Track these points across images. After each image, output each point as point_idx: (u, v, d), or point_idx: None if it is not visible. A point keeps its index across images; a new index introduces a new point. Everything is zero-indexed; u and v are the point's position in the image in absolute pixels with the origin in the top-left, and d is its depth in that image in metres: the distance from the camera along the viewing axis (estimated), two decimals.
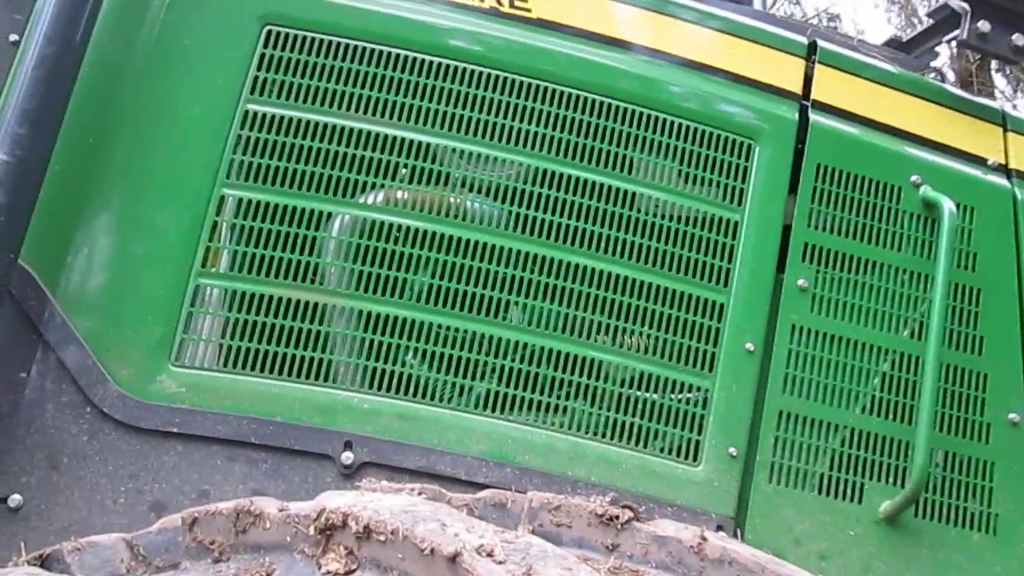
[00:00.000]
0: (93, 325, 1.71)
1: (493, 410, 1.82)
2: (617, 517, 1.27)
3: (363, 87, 1.87)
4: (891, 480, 1.89)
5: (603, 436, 1.84)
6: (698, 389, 1.88)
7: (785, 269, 1.94)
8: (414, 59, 1.90)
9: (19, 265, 1.65)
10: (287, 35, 1.87)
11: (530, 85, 1.92)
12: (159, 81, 1.82)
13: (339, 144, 1.85)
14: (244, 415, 1.72)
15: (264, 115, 1.84)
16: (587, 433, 1.84)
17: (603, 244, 1.89)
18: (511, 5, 1.98)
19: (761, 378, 1.89)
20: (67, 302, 1.71)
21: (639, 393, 1.87)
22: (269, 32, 1.87)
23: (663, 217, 1.93)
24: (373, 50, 1.89)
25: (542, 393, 1.84)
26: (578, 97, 1.93)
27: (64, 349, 1.69)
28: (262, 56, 1.86)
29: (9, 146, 1.60)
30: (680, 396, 1.88)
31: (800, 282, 1.94)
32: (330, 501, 1.24)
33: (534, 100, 1.92)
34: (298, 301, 1.79)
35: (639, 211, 1.92)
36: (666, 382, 1.88)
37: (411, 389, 1.80)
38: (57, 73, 1.66)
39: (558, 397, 1.85)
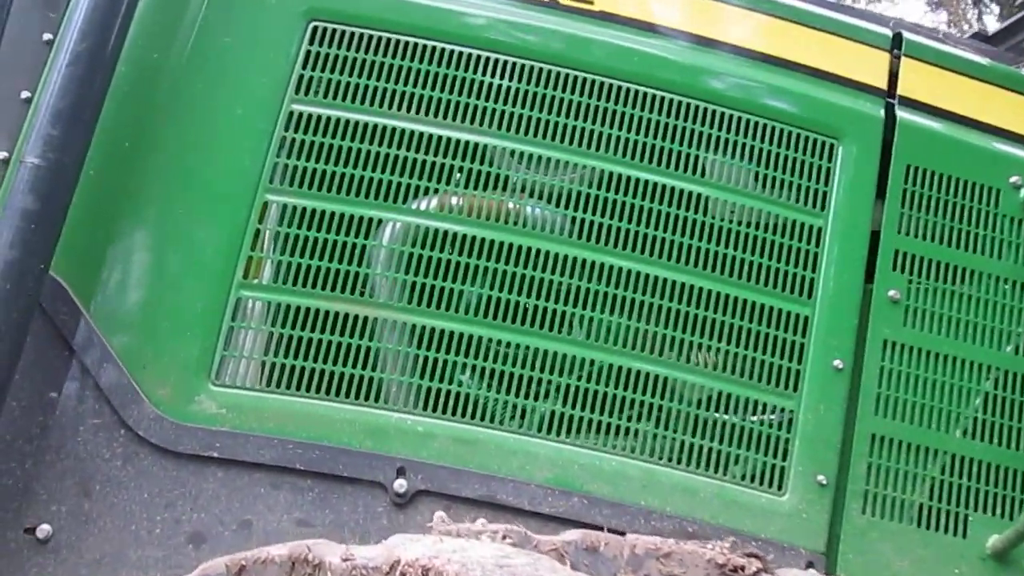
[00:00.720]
0: (128, 341, 1.59)
1: (557, 433, 1.67)
2: (742, 568, 1.09)
3: (415, 85, 1.75)
4: (1000, 512, 1.70)
5: (678, 462, 1.68)
6: (782, 410, 1.72)
7: (875, 279, 1.78)
8: (468, 55, 1.77)
9: (50, 277, 1.54)
10: (334, 31, 1.75)
11: (593, 82, 1.78)
12: (198, 81, 1.71)
13: (390, 146, 1.72)
14: (289, 438, 1.58)
15: (310, 116, 1.72)
16: (661, 459, 1.68)
17: (674, 252, 1.74)
18: None
19: (851, 398, 1.72)
20: (101, 316, 1.59)
21: (716, 415, 1.71)
22: (315, 28, 1.75)
23: (739, 223, 1.78)
24: (425, 46, 1.76)
25: (610, 415, 1.68)
26: (645, 95, 1.79)
27: (97, 367, 1.57)
28: (307, 53, 1.74)
29: (41, 148, 1.49)
30: (762, 418, 1.71)
31: (891, 293, 1.77)
32: (405, 551, 1.07)
33: (598, 98, 1.78)
34: (346, 315, 1.66)
35: (713, 217, 1.77)
36: (746, 403, 1.71)
37: (468, 410, 1.65)
38: (92, 71, 1.55)
39: (628, 419, 1.69)
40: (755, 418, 1.71)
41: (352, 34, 1.76)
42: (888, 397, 1.73)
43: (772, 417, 1.72)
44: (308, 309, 1.65)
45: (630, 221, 1.74)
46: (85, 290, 1.60)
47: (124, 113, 1.66)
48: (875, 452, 1.70)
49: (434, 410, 1.65)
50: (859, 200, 1.81)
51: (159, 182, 1.67)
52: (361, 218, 1.69)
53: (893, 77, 1.89)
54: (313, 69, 1.74)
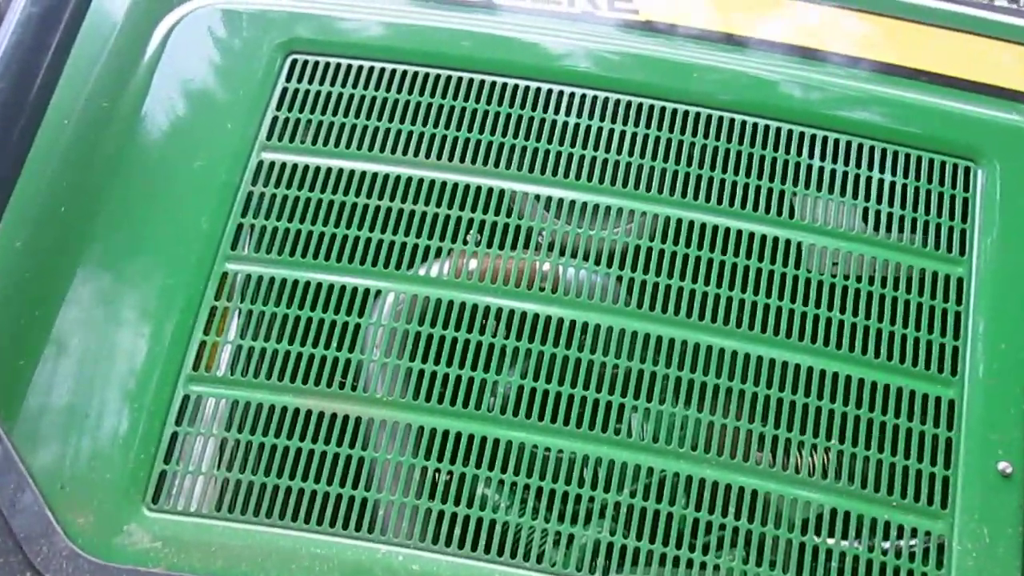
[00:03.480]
0: (44, 453, 1.25)
1: (606, 572, 1.22)
2: None
3: (415, 123, 1.40)
4: None
5: None
6: (927, 536, 1.22)
7: None
8: (483, 83, 1.42)
9: None
10: (318, 64, 1.44)
11: (641, 107, 1.40)
12: (153, 130, 1.41)
13: (384, 198, 1.37)
14: None
15: (284, 165, 1.39)
16: None
17: (762, 319, 1.30)
18: (611, 7, 1.48)
19: None
20: (12, 420, 1.25)
21: (831, 543, 1.22)
22: (295, 62, 1.44)
23: (847, 277, 1.33)
24: (428, 75, 1.43)
25: (679, 544, 1.22)
26: (719, 120, 1.39)
27: (2, 487, 1.22)
28: (284, 92, 1.42)
29: None
30: (899, 546, 1.22)
31: None
32: None
33: (647, 126, 1.39)
34: (330, 416, 1.28)
35: (809, 270, 1.33)
36: (873, 526, 1.22)
37: (484, 540, 1.22)
38: (9, 116, 1.26)
39: (704, 550, 1.22)
40: (888, 546, 1.22)
41: (339, 66, 1.44)
42: None
43: (913, 545, 1.22)
44: (274, 408, 1.28)
45: (698, 280, 1.32)
46: None
47: (61, 171, 1.36)
48: None
49: (437, 541, 1.22)
50: (1012, 240, 1.34)
51: (99, 253, 1.35)
52: (347, 289, 1.33)
53: None
54: (290, 110, 1.42)
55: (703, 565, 1.21)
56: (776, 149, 1.38)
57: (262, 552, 1.20)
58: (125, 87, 1.42)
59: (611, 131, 1.39)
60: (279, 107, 1.41)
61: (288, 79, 1.43)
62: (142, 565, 1.20)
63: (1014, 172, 1.36)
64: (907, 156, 1.38)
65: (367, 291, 1.34)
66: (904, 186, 1.36)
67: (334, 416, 1.28)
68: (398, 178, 1.37)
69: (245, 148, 1.38)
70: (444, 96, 1.41)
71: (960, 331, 1.29)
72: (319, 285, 1.33)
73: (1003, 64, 1.44)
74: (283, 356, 1.29)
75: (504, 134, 1.39)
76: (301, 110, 1.41)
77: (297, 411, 1.27)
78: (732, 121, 1.39)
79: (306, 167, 1.38)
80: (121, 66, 1.42)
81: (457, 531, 1.22)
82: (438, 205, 1.37)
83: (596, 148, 1.38)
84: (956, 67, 1.44)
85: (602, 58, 1.43)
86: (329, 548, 1.21)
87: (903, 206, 1.36)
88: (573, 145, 1.38)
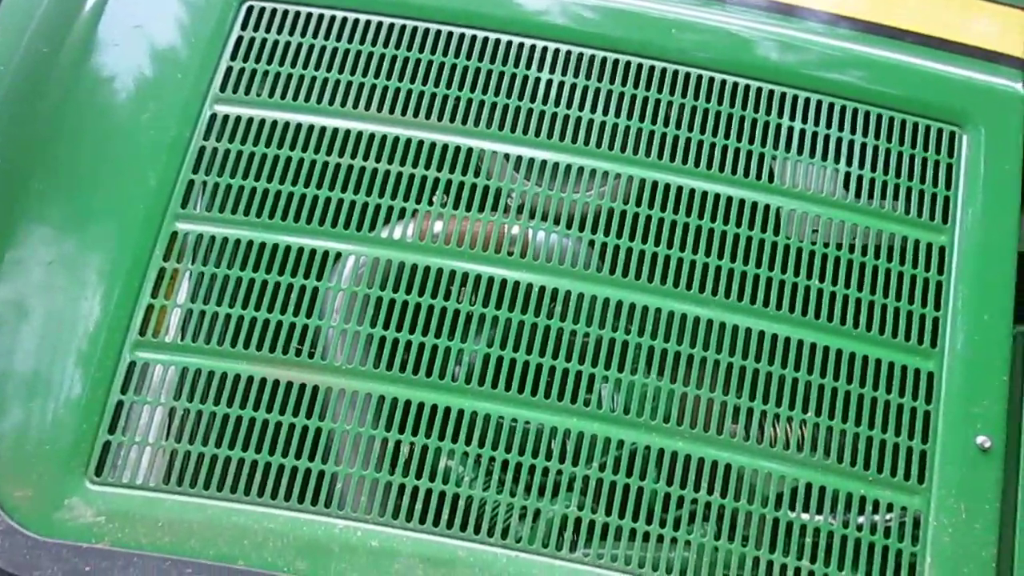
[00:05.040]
0: None
1: (573, 548, 1.18)
2: None
3: (378, 76, 1.33)
4: None
5: None
6: (903, 511, 1.19)
7: None
8: (450, 34, 1.35)
9: None
10: (276, 12, 1.36)
11: (617, 63, 1.35)
12: (97, 79, 1.32)
13: (345, 155, 1.30)
14: (189, 559, 1.13)
15: (239, 119, 1.31)
16: None
17: (738, 287, 1.25)
18: None
19: (1007, 492, 1.19)
20: None
21: (805, 518, 1.19)
22: (251, 9, 1.36)
23: (827, 245, 1.29)
24: (392, 25, 1.36)
25: (650, 520, 1.18)
26: (698, 79, 1.34)
27: None
28: (239, 41, 1.34)
29: None
30: (875, 521, 1.19)
31: None
32: None
33: (623, 83, 1.34)
34: (286, 384, 1.22)
35: (789, 237, 1.28)
36: (848, 500, 1.19)
37: (448, 515, 1.18)
38: None
39: (676, 525, 1.19)
40: (863, 523, 1.19)
41: (298, 15, 1.36)
42: None
43: (889, 520, 1.19)
44: (226, 375, 1.21)
45: (673, 246, 1.27)
46: None
47: None
48: None
49: (397, 516, 1.17)
50: (996, 208, 1.30)
51: (39, 210, 1.27)
52: (305, 251, 1.26)
53: None
54: (246, 60, 1.34)
55: (674, 540, 1.17)
56: (756, 110, 1.32)
57: (213, 527, 1.15)
58: (68, 32, 1.33)
59: (585, 88, 1.33)
60: (233, 57, 1.34)
61: (243, 27, 1.35)
62: (84, 541, 1.14)
63: (1000, 138, 1.32)
64: (891, 120, 1.33)
65: (326, 253, 1.27)
66: (887, 151, 1.32)
67: (290, 384, 1.22)
68: (360, 134, 1.30)
69: (197, 100, 1.31)
70: (409, 48, 1.34)
71: (941, 302, 1.26)
72: (275, 246, 1.26)
73: (991, 26, 1.39)
74: (236, 321, 1.23)
75: (472, 89, 1.32)
76: (257, 60, 1.34)
77: (251, 379, 1.21)
78: (712, 80, 1.33)
79: (262, 121, 1.31)
80: (64, 9, 1.33)
81: (419, 506, 1.17)
82: (402, 163, 1.31)
83: (569, 106, 1.32)
84: (943, 28, 1.39)
85: (577, 12, 1.36)
86: (284, 523, 1.16)
87: (885, 171, 1.31)
88: (545, 103, 1.32)
